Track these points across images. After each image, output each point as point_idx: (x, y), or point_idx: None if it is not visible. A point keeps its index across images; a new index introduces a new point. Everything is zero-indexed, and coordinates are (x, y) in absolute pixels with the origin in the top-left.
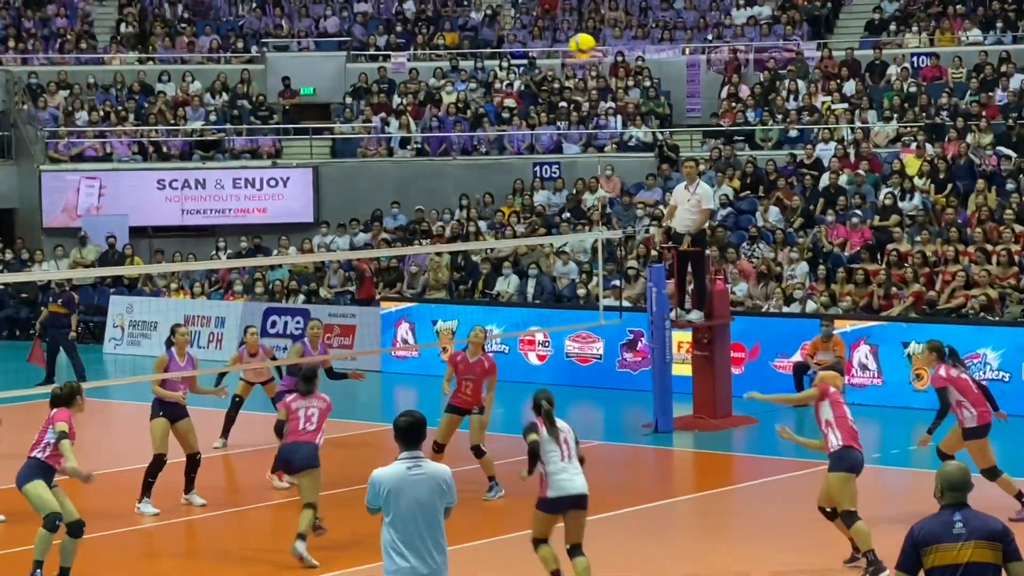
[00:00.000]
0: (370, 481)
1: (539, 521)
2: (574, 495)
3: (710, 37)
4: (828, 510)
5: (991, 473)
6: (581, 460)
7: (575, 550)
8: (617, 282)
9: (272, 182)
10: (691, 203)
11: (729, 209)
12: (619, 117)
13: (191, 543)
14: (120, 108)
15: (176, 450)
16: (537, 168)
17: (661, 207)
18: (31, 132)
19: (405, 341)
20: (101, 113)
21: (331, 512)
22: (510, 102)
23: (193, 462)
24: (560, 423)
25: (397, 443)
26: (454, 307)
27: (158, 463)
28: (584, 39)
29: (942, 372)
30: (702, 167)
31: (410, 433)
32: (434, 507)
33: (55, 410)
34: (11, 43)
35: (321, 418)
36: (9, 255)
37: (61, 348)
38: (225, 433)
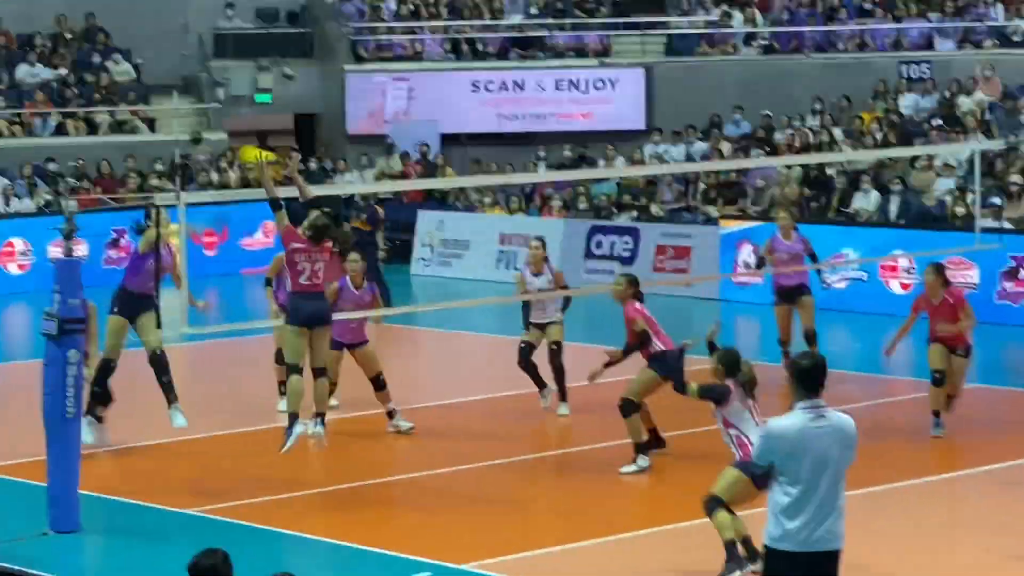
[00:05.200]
0: (763, 434)
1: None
2: None
3: None
4: None
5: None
6: None
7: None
8: (997, 200)
9: (599, 84)
10: None
11: None
12: (1000, 6)
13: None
14: (431, 1)
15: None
16: (903, 67)
17: None
18: (334, 29)
19: (748, 265)
20: (411, 6)
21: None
22: None
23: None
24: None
25: (793, 388)
26: (804, 227)
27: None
28: (247, 152)
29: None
30: None
31: (812, 376)
32: (840, 465)
33: None
34: None
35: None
36: (312, 164)
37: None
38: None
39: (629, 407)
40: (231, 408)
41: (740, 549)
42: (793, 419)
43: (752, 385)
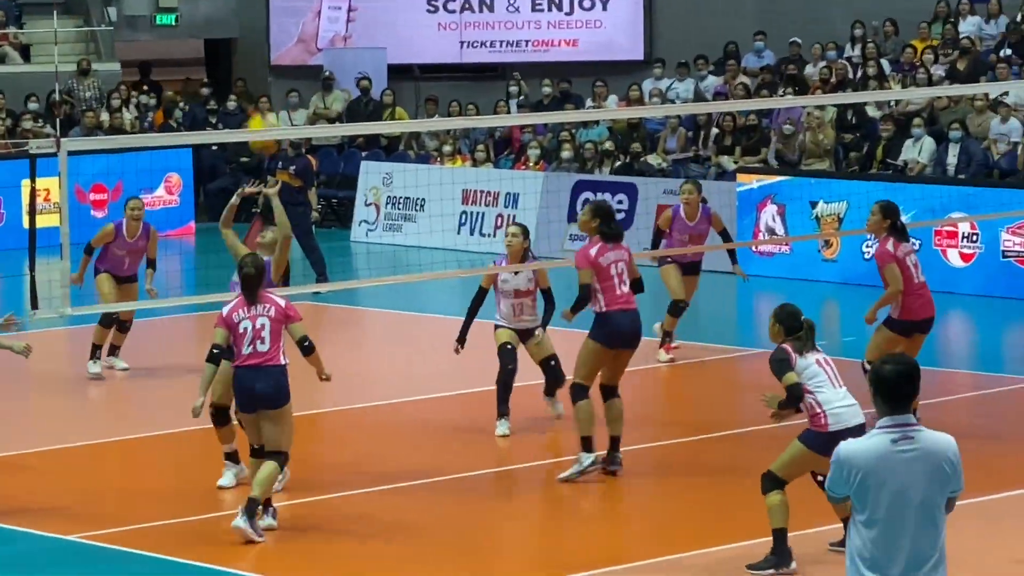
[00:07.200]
0: (835, 459)
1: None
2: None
3: None
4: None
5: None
6: None
7: None
8: None
9: (586, 3)
10: None
11: None
12: None
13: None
14: None
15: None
16: None
17: None
18: None
19: (772, 231)
20: None
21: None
22: None
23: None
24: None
25: (875, 402)
26: (841, 183)
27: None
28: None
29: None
30: None
31: (897, 386)
32: (931, 500)
33: None
34: None
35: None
36: (229, 103)
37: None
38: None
39: (580, 392)
40: (121, 410)
41: None
42: (871, 441)
43: (811, 336)
